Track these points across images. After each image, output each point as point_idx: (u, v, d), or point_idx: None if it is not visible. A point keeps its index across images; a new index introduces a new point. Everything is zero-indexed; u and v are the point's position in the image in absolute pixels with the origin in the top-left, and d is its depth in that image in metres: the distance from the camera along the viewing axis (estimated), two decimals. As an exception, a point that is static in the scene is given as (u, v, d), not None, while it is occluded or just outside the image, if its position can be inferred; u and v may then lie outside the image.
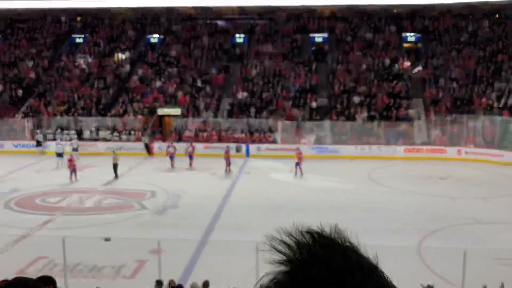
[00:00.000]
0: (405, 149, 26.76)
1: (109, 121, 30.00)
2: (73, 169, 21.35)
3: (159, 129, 29.78)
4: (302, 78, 31.89)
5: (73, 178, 21.33)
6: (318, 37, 35.79)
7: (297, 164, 22.29)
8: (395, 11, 38.20)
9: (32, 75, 34.15)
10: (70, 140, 28.19)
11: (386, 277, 0.76)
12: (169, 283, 9.48)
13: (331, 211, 15.70)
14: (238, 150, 27.29)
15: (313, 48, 35.50)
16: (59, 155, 24.04)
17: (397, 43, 34.51)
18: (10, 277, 6.99)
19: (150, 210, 17.37)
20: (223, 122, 29.70)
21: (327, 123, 28.79)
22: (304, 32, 36.39)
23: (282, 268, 0.74)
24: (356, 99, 29.74)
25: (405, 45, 34.85)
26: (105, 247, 11.98)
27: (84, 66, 34.55)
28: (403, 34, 35.23)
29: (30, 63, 35.29)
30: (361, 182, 21.10)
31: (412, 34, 35.13)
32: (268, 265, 0.76)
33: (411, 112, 28.86)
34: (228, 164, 23.18)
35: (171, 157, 24.55)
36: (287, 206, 16.70)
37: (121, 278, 11.79)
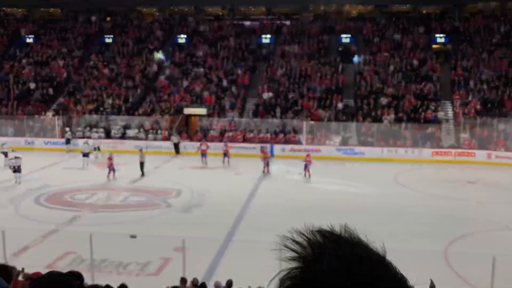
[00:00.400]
0: (433, 152, 26.29)
1: (136, 119, 30.49)
2: (111, 168, 21.68)
3: (185, 129, 30.08)
4: (328, 79, 31.72)
5: (111, 176, 21.68)
6: (345, 38, 35.52)
7: (306, 166, 22.05)
8: (424, 11, 37.62)
9: (63, 74, 34.98)
10: (99, 138, 28.86)
11: (394, 267, 0.79)
12: (193, 281, 9.58)
13: (357, 214, 15.54)
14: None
15: (340, 48, 35.25)
16: (85, 155, 24.31)
17: (426, 44, 33.94)
18: (39, 270, 7.15)
19: (175, 208, 17.56)
20: (248, 122, 29.79)
21: (353, 124, 28.55)
22: (331, 32, 36.19)
23: (296, 264, 0.78)
24: (383, 100, 29.40)
25: (434, 46, 34.23)
26: (131, 244, 12.17)
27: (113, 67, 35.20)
28: (432, 35, 34.62)
29: (61, 62, 36.15)
30: (387, 185, 20.84)
31: (441, 35, 34.48)
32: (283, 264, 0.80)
33: (439, 114, 28.36)
34: (266, 164, 22.96)
35: (203, 154, 24.96)
36: (312, 208, 16.63)
37: (146, 275, 11.96)
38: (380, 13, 37.38)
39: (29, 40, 38.88)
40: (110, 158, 21.89)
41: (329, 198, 18.46)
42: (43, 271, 5.82)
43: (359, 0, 38.88)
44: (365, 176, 22.53)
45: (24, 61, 36.76)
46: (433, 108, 28.58)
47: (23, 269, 9.23)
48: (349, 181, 21.62)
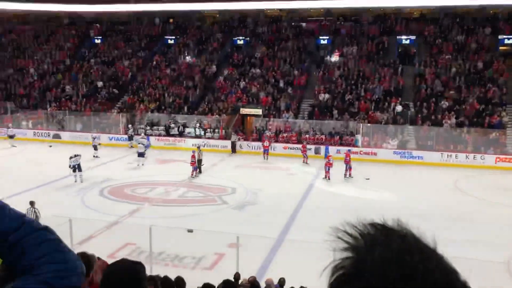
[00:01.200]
0: (496, 158, 25.14)
1: (195, 118, 31.39)
2: (195, 167, 22.32)
3: (241, 128, 30.59)
4: (386, 81, 31.12)
5: (194, 174, 22.27)
6: (405, 39, 34.65)
7: (328, 169, 21.97)
8: (491, 12, 35.92)
9: (128, 73, 36.60)
10: (159, 135, 29.98)
11: (446, 260, 0.80)
12: (248, 279, 9.77)
13: (413, 219, 14.68)
14: (317, 152, 27.29)
15: (400, 50, 34.45)
16: (140, 154, 24.51)
17: (492, 46, 32.42)
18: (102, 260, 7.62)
19: (230, 206, 17.96)
20: (304, 123, 29.83)
21: (411, 127, 27.86)
22: (390, 34, 35.45)
23: (347, 254, 0.81)
24: (444, 103, 28.45)
25: (501, 48, 32.63)
26: (187, 238, 12.62)
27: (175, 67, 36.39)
28: (500, 37, 33.01)
29: (126, 62, 37.83)
30: (446, 191, 20.21)
31: (509, 36, 32.81)
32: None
33: (504, 119, 27.05)
34: (349, 168, 22.57)
35: (265, 150, 26.15)
36: (366, 211, 16.39)
37: (201, 269, 12.31)
38: (443, 14, 36.13)
39: (97, 41, 40.98)
40: (193, 156, 22.44)
41: (384, 201, 18.17)
42: (106, 260, 6.26)
43: (421, 1, 37.74)
44: (423, 181, 21.96)
45: (92, 61, 38.81)
46: (498, 112, 27.31)
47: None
48: (406, 185, 21.16)
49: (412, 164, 25.46)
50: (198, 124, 30.65)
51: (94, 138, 27.31)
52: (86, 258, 3.38)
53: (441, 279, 0.76)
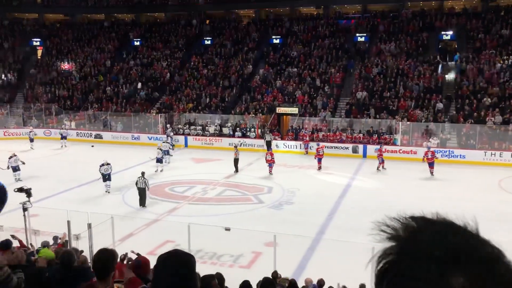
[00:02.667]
0: (544, 157, 24.11)
1: (232, 118, 31.62)
2: (269, 164, 22.62)
3: (277, 127, 30.58)
4: (426, 78, 30.37)
5: (271, 171, 22.61)
6: (446, 35, 33.68)
7: (382, 161, 23.29)
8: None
9: (166, 74, 37.27)
10: (196, 135, 30.36)
11: (491, 242, 0.81)
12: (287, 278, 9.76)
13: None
14: (355, 151, 26.96)
15: (440, 46, 33.53)
16: (159, 160, 23.63)
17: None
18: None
19: (267, 205, 18.01)
20: (341, 122, 29.53)
21: (453, 125, 27.09)
22: (430, 29, 34.56)
23: (391, 244, 0.83)
24: (487, 100, 27.50)
25: (550, 42, 31.26)
26: (224, 236, 12.74)
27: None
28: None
29: (165, 64, 38.53)
30: (490, 191, 19.54)
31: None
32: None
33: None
34: (382, 161, 23.46)
35: (306, 146, 26.93)
36: (406, 211, 16.08)
37: (238, 267, 12.40)
38: (486, 8, 34.93)
39: (136, 43, 41.94)
40: (271, 154, 22.84)
41: (424, 202, 17.73)
42: (146, 256, 6.43)
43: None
44: (465, 180, 21.32)
45: (131, 62, 39.74)
46: (546, 109, 26.19)
47: (127, 253, 10.09)
48: (447, 185, 20.61)
49: (453, 163, 24.77)
50: (235, 124, 30.88)
51: (167, 136, 28.74)
52: (110, 252, 3.53)
53: (486, 255, 0.78)
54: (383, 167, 23.42)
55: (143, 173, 17.90)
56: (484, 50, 31.11)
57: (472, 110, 27.31)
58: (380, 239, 0.84)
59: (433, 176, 22.18)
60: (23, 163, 21.21)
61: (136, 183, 17.52)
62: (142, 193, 17.42)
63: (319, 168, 23.56)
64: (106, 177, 19.18)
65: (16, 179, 20.37)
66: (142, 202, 17.47)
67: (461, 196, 18.58)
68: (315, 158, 24.08)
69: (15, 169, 20.96)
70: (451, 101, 29.01)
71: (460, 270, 0.75)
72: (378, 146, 24.56)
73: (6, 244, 7.19)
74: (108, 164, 19.25)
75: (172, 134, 30.20)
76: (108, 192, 19.13)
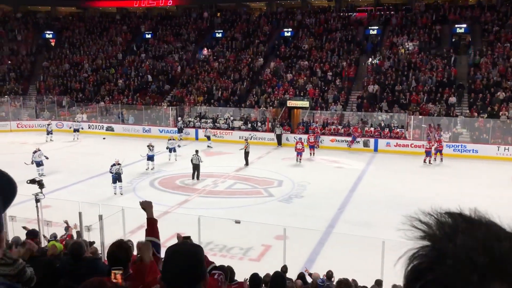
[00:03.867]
0: (559, 152, 23.77)
1: (242, 111, 31.62)
2: (299, 152, 23.57)
3: (287, 121, 30.51)
4: (439, 71, 30.04)
5: (298, 160, 23.63)
6: (460, 28, 33.25)
7: (439, 151, 23.75)
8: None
9: (177, 67, 37.32)
10: (205, 129, 30.41)
11: None
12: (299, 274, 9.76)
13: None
14: (366, 144, 26.82)
15: (454, 39, 33.11)
16: (171, 150, 23.90)
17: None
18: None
19: (277, 198, 18.01)
20: (352, 116, 29.37)
21: (466, 119, 26.80)
22: (444, 22, 34.13)
23: (423, 243, 0.76)
24: (501, 94, 27.14)
25: None
26: (234, 229, 12.76)
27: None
28: None
29: (176, 56, 38.57)
30: (503, 186, 19.29)
31: None
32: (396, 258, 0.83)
33: None
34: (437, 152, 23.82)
35: (311, 147, 25.59)
36: (418, 206, 15.95)
37: (248, 259, 12.43)
38: (501, 1, 34.38)
39: (148, 35, 42.03)
40: (302, 143, 23.75)
41: (436, 197, 17.62)
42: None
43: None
44: (478, 175, 21.11)
45: (143, 55, 39.86)
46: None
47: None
48: (459, 179, 20.43)
49: (466, 157, 24.54)
50: (245, 117, 30.87)
51: (206, 129, 29.24)
52: (126, 244, 3.56)
53: None
54: (300, 160, 23.69)
55: (197, 151, 20.55)
56: (499, 43, 30.66)
57: (485, 104, 26.98)
58: (411, 236, 0.77)
59: (442, 162, 23.28)
60: (47, 158, 21.06)
61: (191, 160, 20.29)
62: (196, 168, 20.32)
63: (299, 160, 23.82)
64: (117, 178, 18.05)
65: (39, 174, 19.65)
66: (197, 176, 20.32)
67: (473, 191, 18.41)
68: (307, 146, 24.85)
69: (39, 164, 20.66)
70: (463, 96, 28.67)
71: (504, 281, 0.68)
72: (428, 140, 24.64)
73: (33, 232, 7.43)
74: (119, 164, 18.18)
75: (183, 126, 30.39)
76: (121, 194, 18.02)
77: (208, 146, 27.52)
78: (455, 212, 0.79)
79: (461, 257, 0.71)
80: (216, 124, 30.97)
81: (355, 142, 26.71)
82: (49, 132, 29.85)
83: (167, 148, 24.10)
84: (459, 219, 0.77)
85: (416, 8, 36.54)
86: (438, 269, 0.73)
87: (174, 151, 24.11)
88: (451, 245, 0.73)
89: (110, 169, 18.19)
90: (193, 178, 20.26)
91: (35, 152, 20.91)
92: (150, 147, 22.15)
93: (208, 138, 28.40)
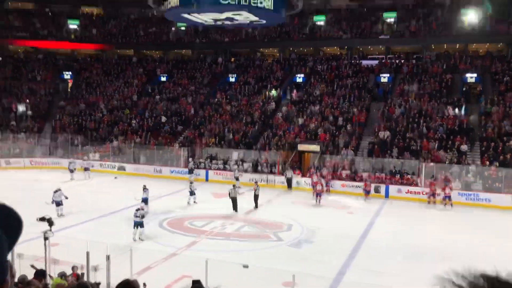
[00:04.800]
0: None
1: (253, 154, 31.75)
2: (319, 193, 24.22)
3: (298, 164, 30.50)
4: (450, 119, 30.12)
5: (319, 201, 24.19)
6: (471, 77, 33.60)
7: (448, 197, 23.93)
8: None
9: (191, 109, 37.93)
10: (218, 169, 30.42)
11: None
12: None
13: (481, 264, 14.31)
14: (377, 191, 26.62)
15: (464, 88, 33.39)
16: (191, 193, 23.61)
17: None
18: None
19: (286, 242, 17.77)
20: (363, 161, 29.31)
21: (477, 168, 26.58)
22: (454, 71, 34.56)
23: None
24: (514, 144, 27.02)
25: None
26: (243, 273, 12.58)
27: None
28: None
29: (189, 99, 39.29)
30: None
31: None
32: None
33: None
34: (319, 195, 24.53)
35: (318, 194, 24.49)
36: (430, 254, 15.75)
37: (255, 305, 12.22)
38: (511, 51, 34.88)
39: (163, 78, 43.03)
40: (322, 184, 24.72)
41: (447, 245, 17.29)
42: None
43: (486, 39, 36.73)
44: (491, 225, 20.72)
45: (158, 97, 40.66)
46: None
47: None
48: (472, 229, 20.05)
49: (478, 206, 24.19)
50: (256, 160, 30.96)
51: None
52: (133, 284, 3.54)
53: None
54: (319, 201, 24.20)
55: (234, 185, 22.81)
56: (510, 93, 30.83)
57: (497, 153, 26.83)
58: None
59: (452, 207, 23.50)
60: (66, 198, 20.92)
61: (229, 194, 21.97)
62: (234, 201, 21.90)
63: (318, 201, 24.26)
64: (139, 223, 17.38)
65: (58, 214, 19.65)
66: (235, 208, 21.87)
67: (487, 241, 18.02)
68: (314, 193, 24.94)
69: (58, 203, 20.47)
70: (474, 143, 28.59)
71: None
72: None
73: (41, 273, 7.49)
74: (143, 209, 17.87)
75: (194, 167, 30.40)
76: (142, 240, 17.28)
77: (237, 187, 24.81)
78: (492, 275, 0.75)
79: None
80: (226, 166, 31.06)
81: (368, 195, 26.24)
82: (71, 171, 30.12)
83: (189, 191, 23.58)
84: (496, 284, 0.73)
85: (427, 57, 37.13)
86: None
87: (194, 194, 23.63)
88: None
89: (135, 213, 17.44)
90: (234, 210, 21.80)
91: (55, 191, 20.77)
92: (144, 189, 21.84)
93: (237, 179, 27.52)
